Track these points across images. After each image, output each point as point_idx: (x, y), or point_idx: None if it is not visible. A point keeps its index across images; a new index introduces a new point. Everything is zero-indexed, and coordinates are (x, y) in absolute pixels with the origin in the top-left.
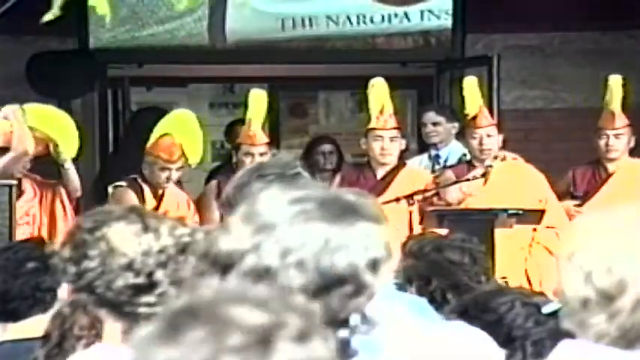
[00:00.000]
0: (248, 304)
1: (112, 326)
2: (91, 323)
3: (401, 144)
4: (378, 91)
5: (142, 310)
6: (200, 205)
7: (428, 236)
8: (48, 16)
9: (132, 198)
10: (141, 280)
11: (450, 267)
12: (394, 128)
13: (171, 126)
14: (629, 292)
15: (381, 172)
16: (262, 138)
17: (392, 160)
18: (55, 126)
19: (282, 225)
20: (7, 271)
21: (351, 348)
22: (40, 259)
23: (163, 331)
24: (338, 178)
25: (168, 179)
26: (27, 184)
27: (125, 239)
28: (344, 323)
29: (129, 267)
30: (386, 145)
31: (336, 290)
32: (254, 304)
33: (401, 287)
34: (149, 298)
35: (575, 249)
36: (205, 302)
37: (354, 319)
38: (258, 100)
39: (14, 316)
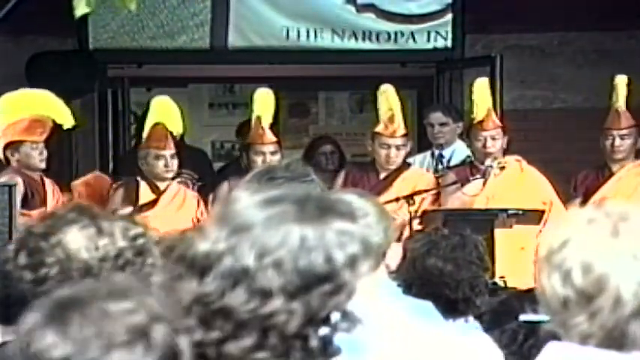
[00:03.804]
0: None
1: None
2: None
3: (407, 149)
4: (388, 98)
5: None
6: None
7: (424, 238)
8: (80, 11)
9: (119, 195)
10: None
11: (430, 277)
12: (402, 136)
13: (154, 115)
14: (609, 290)
15: (384, 173)
16: (272, 137)
17: (396, 165)
18: (42, 105)
19: (258, 226)
20: (7, 275)
21: (333, 346)
22: None
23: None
24: (342, 177)
25: (166, 167)
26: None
27: (81, 245)
28: (325, 322)
29: (87, 272)
30: (392, 154)
31: (315, 289)
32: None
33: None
34: None
35: (553, 248)
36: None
37: (335, 318)
38: (264, 99)
39: (16, 319)
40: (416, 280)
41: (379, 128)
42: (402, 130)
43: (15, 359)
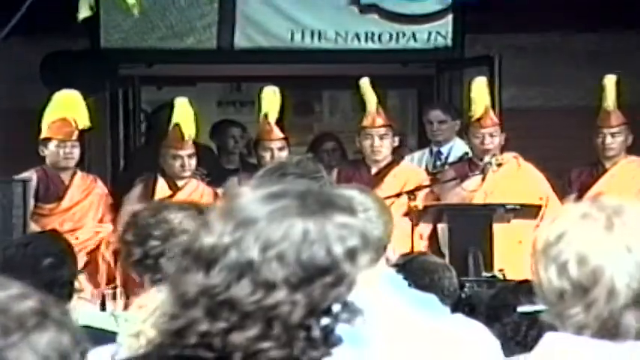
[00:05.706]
0: None
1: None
2: None
3: (393, 140)
4: (364, 90)
5: None
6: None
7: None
8: (83, 14)
9: (135, 191)
10: None
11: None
12: (383, 126)
13: (174, 116)
14: (603, 282)
15: (375, 168)
16: (279, 133)
17: (383, 157)
18: (66, 105)
19: (262, 220)
20: (24, 268)
21: (335, 336)
22: (57, 254)
23: None
24: (334, 174)
25: (182, 167)
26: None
27: (184, 220)
28: (327, 313)
29: None
30: (375, 143)
31: (317, 281)
32: None
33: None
34: None
35: (549, 241)
36: None
37: (336, 309)
38: (271, 97)
39: None
40: None
41: (363, 122)
42: (382, 121)
43: None
